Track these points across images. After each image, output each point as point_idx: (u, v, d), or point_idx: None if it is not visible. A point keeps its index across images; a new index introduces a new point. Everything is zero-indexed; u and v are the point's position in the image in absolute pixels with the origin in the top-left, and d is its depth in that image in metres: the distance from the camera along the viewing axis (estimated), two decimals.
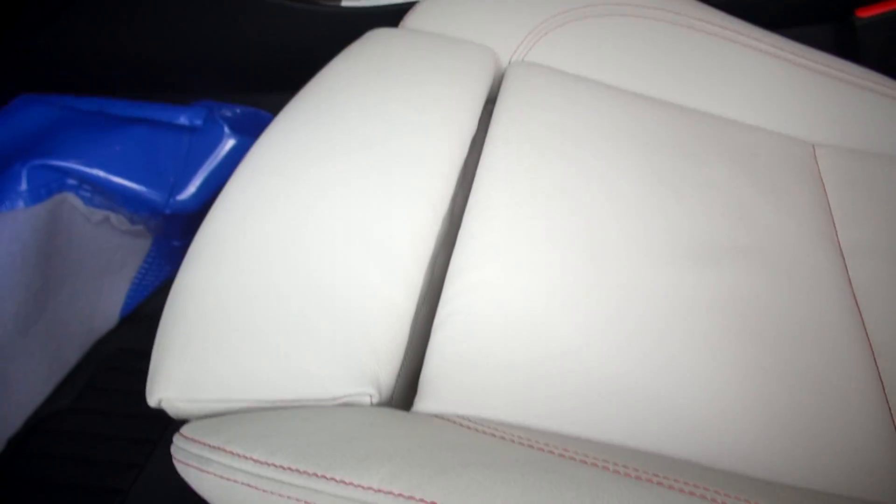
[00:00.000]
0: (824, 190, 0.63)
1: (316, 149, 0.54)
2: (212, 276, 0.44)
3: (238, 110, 0.88)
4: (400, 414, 0.41)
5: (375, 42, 0.69)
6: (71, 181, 0.79)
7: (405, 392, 0.48)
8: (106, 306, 0.86)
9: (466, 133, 0.60)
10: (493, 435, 0.38)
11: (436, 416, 0.41)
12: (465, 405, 0.41)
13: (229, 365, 0.40)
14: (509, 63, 0.72)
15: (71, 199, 0.80)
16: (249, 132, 0.84)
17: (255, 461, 0.35)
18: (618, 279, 0.49)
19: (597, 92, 0.67)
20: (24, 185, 0.75)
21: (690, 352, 0.46)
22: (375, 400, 0.41)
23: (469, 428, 0.38)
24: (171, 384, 0.40)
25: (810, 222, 0.58)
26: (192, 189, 0.82)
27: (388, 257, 0.47)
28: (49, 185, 0.78)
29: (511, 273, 0.48)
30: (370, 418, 0.38)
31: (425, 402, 0.42)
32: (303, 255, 0.45)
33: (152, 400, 0.41)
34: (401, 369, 0.45)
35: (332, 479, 0.33)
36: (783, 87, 0.70)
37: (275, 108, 0.91)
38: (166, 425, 0.74)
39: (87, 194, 0.81)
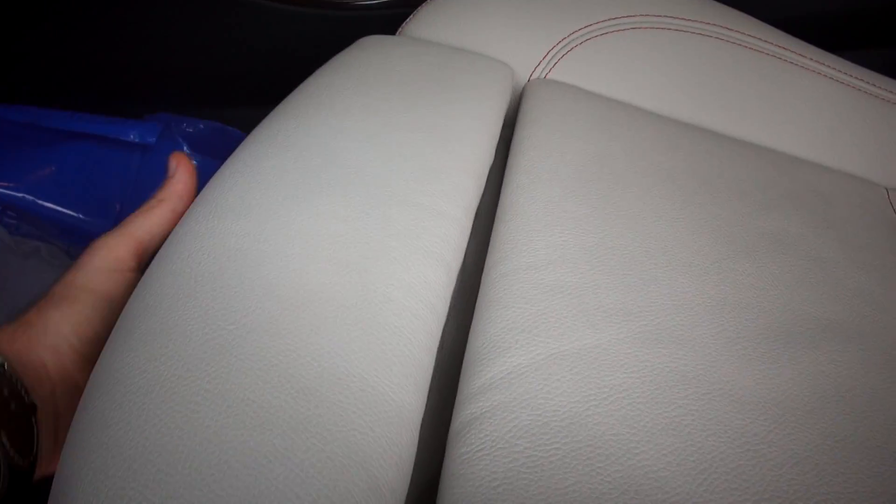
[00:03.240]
0: None
1: (298, 183, 0.41)
2: (143, 369, 0.31)
3: (201, 125, 0.75)
4: None
5: (370, 51, 0.56)
6: None
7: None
8: None
9: (484, 165, 0.48)
10: None
11: None
12: None
13: None
14: (528, 81, 0.60)
15: None
16: (214, 152, 0.71)
17: None
18: (696, 371, 0.37)
19: (637, 120, 0.56)
20: None
21: (799, 476, 0.34)
22: None
23: None
24: None
25: None
26: None
27: (393, 342, 0.34)
28: None
29: (558, 363, 0.36)
30: None
31: None
32: (275, 342, 0.33)
33: None
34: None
35: None
36: (852, 119, 0.59)
37: (243, 125, 0.78)
38: None
39: (13, 222, 0.67)
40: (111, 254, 0.38)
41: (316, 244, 0.37)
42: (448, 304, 0.40)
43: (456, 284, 0.48)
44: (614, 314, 0.39)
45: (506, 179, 0.49)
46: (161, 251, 0.38)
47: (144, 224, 0.40)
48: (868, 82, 0.60)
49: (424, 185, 0.43)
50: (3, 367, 0.33)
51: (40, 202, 0.65)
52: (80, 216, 0.66)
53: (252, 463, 0.28)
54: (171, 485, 0.27)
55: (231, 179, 0.42)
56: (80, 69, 0.77)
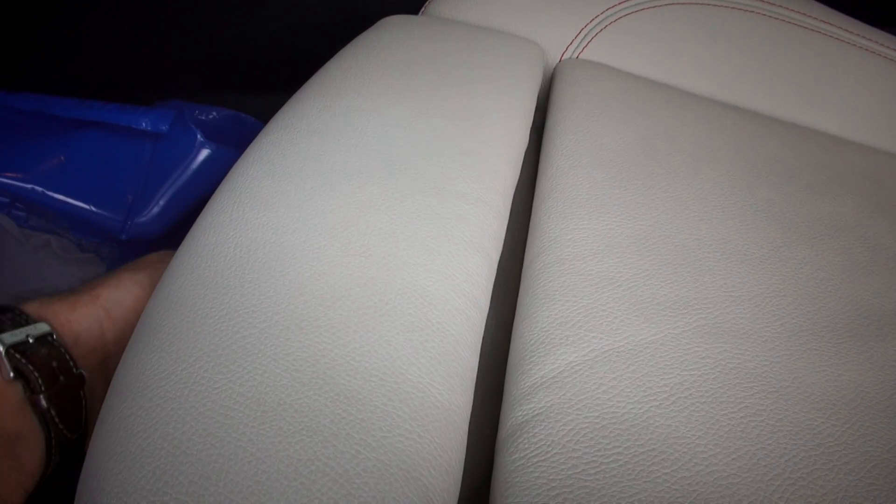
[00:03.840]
0: None
1: (326, 171, 0.38)
2: (170, 371, 0.29)
3: (214, 113, 0.72)
4: None
5: (394, 32, 0.53)
6: (1, 198, 0.63)
7: None
8: None
9: (519, 150, 0.46)
10: None
11: None
12: None
13: None
14: (560, 61, 0.57)
15: (1, 219, 0.64)
16: (229, 140, 0.68)
17: None
18: (761, 367, 0.35)
19: (677, 100, 0.53)
20: None
21: (878, 480, 0.31)
22: None
23: None
24: None
25: None
26: (154, 209, 0.66)
27: (436, 339, 0.32)
28: None
29: (613, 360, 0.34)
30: None
31: None
32: (309, 341, 0.30)
33: None
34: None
35: None
36: None
37: (257, 113, 0.76)
38: None
39: (23, 214, 0.65)
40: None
41: (348, 236, 0.35)
42: (490, 298, 0.37)
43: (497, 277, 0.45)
44: (669, 307, 0.37)
45: (542, 164, 0.47)
46: (183, 245, 0.36)
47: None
48: None
49: (460, 172, 0.40)
50: (52, 336, 0.32)
51: (50, 194, 0.62)
52: (91, 208, 0.64)
53: (292, 473, 0.25)
54: (204, 497, 0.25)
55: (254, 168, 0.39)
56: (89, 55, 0.74)
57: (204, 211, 0.37)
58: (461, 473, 0.30)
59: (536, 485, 0.29)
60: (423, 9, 0.60)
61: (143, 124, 0.64)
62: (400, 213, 0.36)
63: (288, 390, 0.28)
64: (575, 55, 0.57)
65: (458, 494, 0.29)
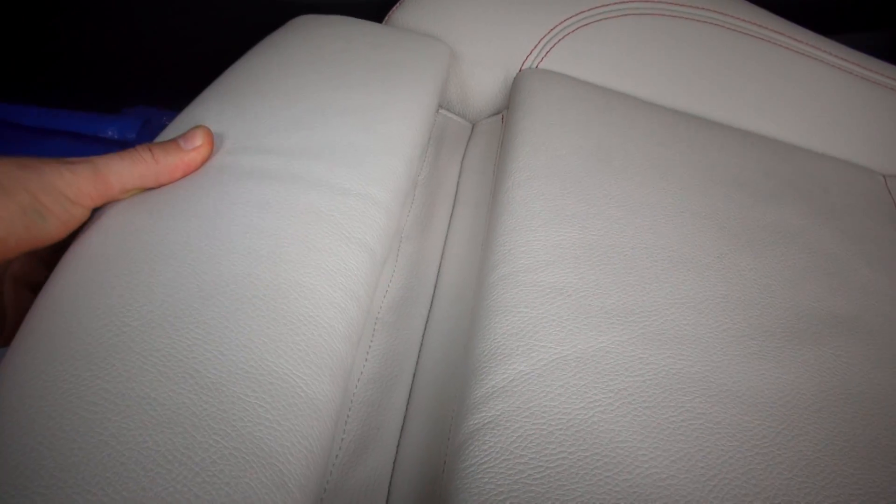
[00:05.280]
0: None
1: (215, 173, 0.39)
2: (40, 371, 0.29)
3: None
4: None
5: (301, 30, 0.54)
6: None
7: None
8: None
9: (415, 147, 0.46)
10: None
11: None
12: None
13: None
14: (520, 70, 0.59)
15: None
16: None
17: None
18: (702, 372, 0.36)
19: (633, 110, 0.54)
20: None
21: (809, 478, 0.33)
22: None
23: None
24: None
25: None
26: None
27: (307, 332, 0.33)
28: None
29: (561, 368, 0.35)
30: None
31: None
32: (180, 336, 0.31)
33: None
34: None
35: None
36: (849, 105, 0.58)
37: None
38: None
39: None
40: (72, 177, 0.33)
41: (229, 234, 0.35)
42: (371, 292, 0.38)
43: (451, 291, 0.47)
44: (617, 315, 0.38)
45: (499, 176, 0.48)
46: (73, 246, 0.36)
47: (122, 170, 0.35)
48: (863, 67, 0.60)
49: (348, 170, 0.41)
50: None
51: None
52: None
53: (150, 464, 0.27)
54: (62, 489, 0.26)
55: None
56: (53, 63, 0.74)
57: (97, 213, 0.38)
58: (325, 459, 0.31)
59: (485, 490, 0.31)
60: (385, 18, 0.61)
61: (110, 132, 0.64)
62: (286, 211, 0.37)
63: (154, 384, 0.29)
64: (535, 65, 0.59)
65: (318, 479, 0.30)
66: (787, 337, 0.40)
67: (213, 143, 0.40)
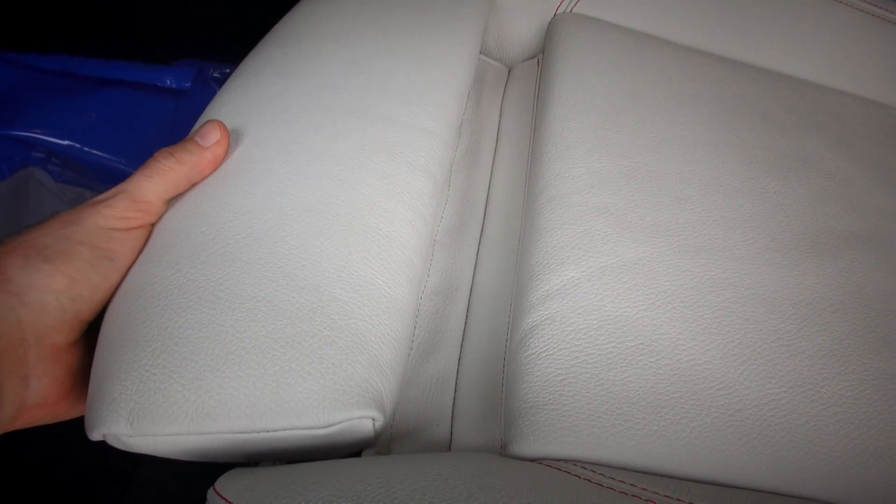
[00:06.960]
0: None
1: (288, 107, 0.43)
2: (163, 277, 0.34)
3: (228, 70, 0.76)
4: (498, 463, 0.32)
5: None
6: (37, 154, 0.68)
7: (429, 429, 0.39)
8: None
9: (463, 86, 0.50)
10: (624, 492, 0.30)
11: (540, 460, 0.33)
12: (581, 445, 0.33)
13: (189, 388, 0.30)
14: (554, 16, 0.62)
15: (38, 174, 0.69)
16: None
17: None
18: (733, 278, 0.41)
19: (662, 50, 0.58)
20: None
21: (827, 365, 0.38)
22: (379, 424, 0.32)
23: (596, 483, 0.30)
24: (116, 415, 0.30)
25: None
26: None
27: (386, 244, 0.37)
28: (12, 159, 0.67)
29: (607, 274, 0.40)
30: (476, 472, 0.30)
31: (526, 442, 0.33)
32: (278, 247, 0.36)
33: (94, 434, 0.31)
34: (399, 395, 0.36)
35: None
36: (865, 44, 0.61)
37: None
38: None
39: (57, 169, 0.70)
40: (113, 212, 0.35)
41: (309, 162, 0.40)
42: (434, 213, 0.43)
43: (499, 216, 0.51)
44: (655, 230, 0.43)
45: (540, 111, 0.52)
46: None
47: (154, 186, 0.37)
48: (880, 7, 0.63)
49: (406, 106, 0.45)
50: None
51: (83, 149, 0.67)
52: (122, 162, 0.69)
53: (266, 348, 0.32)
54: (194, 369, 0.31)
55: (226, 108, 0.44)
56: (102, 16, 0.78)
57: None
58: (408, 349, 0.36)
59: (546, 373, 0.36)
60: None
61: (168, 81, 0.68)
62: (356, 142, 0.42)
63: (261, 286, 0.34)
64: (569, 10, 0.62)
65: (404, 365, 0.36)
66: (808, 250, 0.44)
67: (229, 135, 0.40)
